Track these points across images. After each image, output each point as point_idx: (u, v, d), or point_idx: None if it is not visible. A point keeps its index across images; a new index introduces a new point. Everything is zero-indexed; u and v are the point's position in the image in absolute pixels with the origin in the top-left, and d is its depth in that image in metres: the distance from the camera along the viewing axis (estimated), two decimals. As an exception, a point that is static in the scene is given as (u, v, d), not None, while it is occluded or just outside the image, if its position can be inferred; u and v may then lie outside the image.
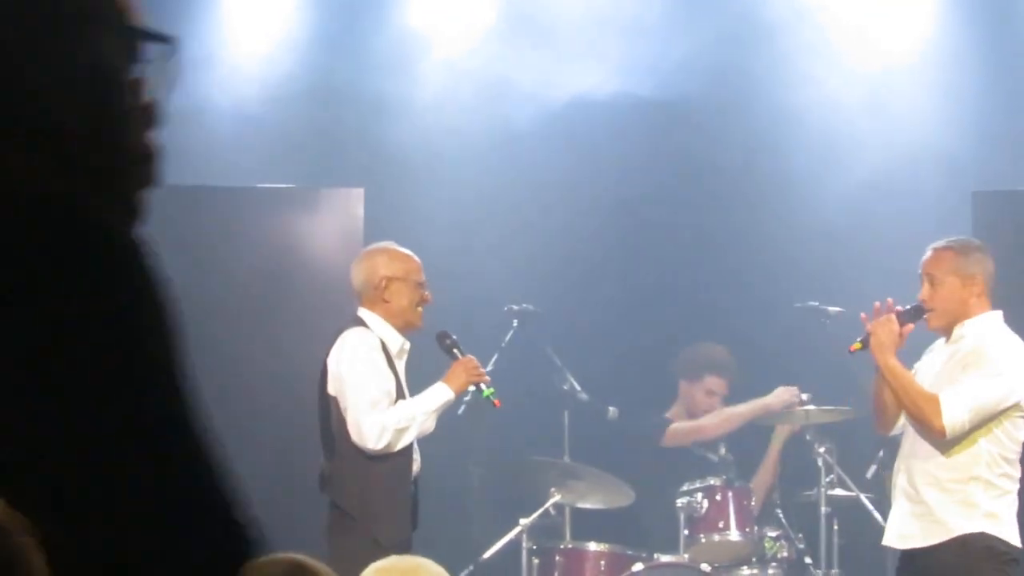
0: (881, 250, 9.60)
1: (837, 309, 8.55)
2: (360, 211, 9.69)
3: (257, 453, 9.16)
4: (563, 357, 8.91)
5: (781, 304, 8.97)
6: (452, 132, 9.92)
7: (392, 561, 4.02)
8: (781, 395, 8.78)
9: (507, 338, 8.83)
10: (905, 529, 7.06)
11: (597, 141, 9.81)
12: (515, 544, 8.22)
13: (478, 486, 9.08)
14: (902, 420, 7.12)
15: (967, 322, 6.95)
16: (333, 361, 7.20)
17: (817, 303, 8.58)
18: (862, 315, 7.26)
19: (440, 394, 7.32)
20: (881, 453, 8.25)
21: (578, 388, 8.76)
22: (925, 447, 6.95)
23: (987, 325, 6.96)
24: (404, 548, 6.84)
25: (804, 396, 8.57)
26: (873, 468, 8.38)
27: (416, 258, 7.45)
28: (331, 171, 9.97)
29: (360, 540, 6.94)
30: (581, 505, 8.67)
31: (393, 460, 7.13)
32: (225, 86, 9.80)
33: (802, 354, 9.11)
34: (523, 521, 8.19)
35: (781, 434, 9.06)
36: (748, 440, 9.24)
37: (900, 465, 7.14)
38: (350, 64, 9.90)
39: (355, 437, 7.03)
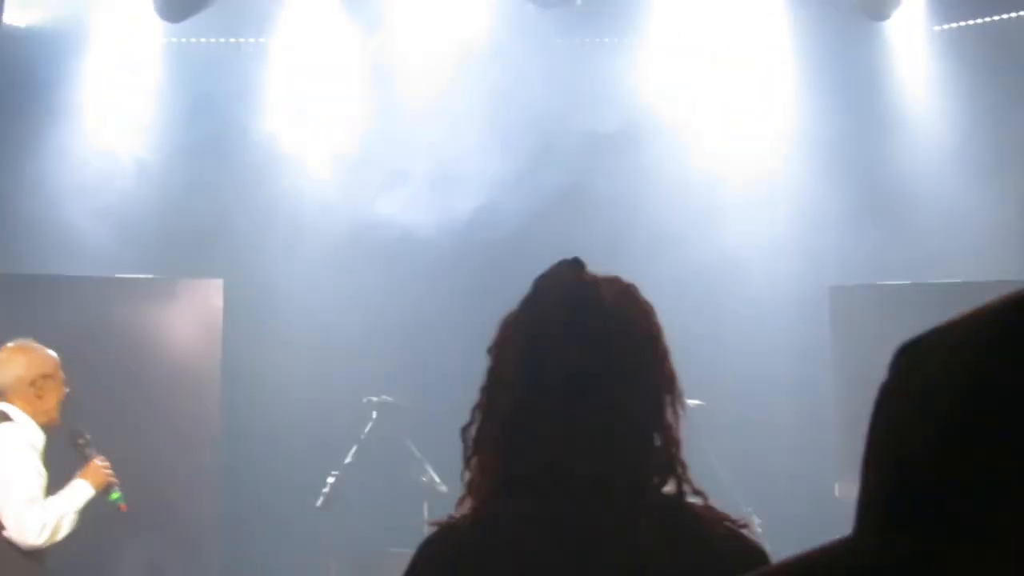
0: (739, 343, 9.70)
1: (696, 402, 8.59)
2: (219, 302, 9.62)
3: (121, 547, 9.04)
4: (422, 449, 8.87)
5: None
6: (312, 229, 9.93)
7: None
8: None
9: (366, 429, 8.79)
10: None
11: (460, 241, 9.82)
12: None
13: (336, 579, 9.01)
14: None
15: None
16: None
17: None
18: None
19: (82, 492, 7.08)
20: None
21: (437, 480, 8.72)
22: None
23: None
24: None
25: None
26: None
27: (56, 355, 7.28)
28: (190, 262, 9.89)
29: None
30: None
31: (31, 559, 6.86)
32: (81, 173, 9.72)
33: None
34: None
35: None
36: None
37: None
38: (211, 156, 9.87)
39: (14, 532, 6.75)
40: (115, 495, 7.22)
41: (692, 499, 2.60)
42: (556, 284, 2.62)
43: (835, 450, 9.22)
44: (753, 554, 2.53)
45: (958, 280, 9.43)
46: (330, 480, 8.35)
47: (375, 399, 8.91)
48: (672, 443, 2.60)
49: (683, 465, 2.58)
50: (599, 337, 2.54)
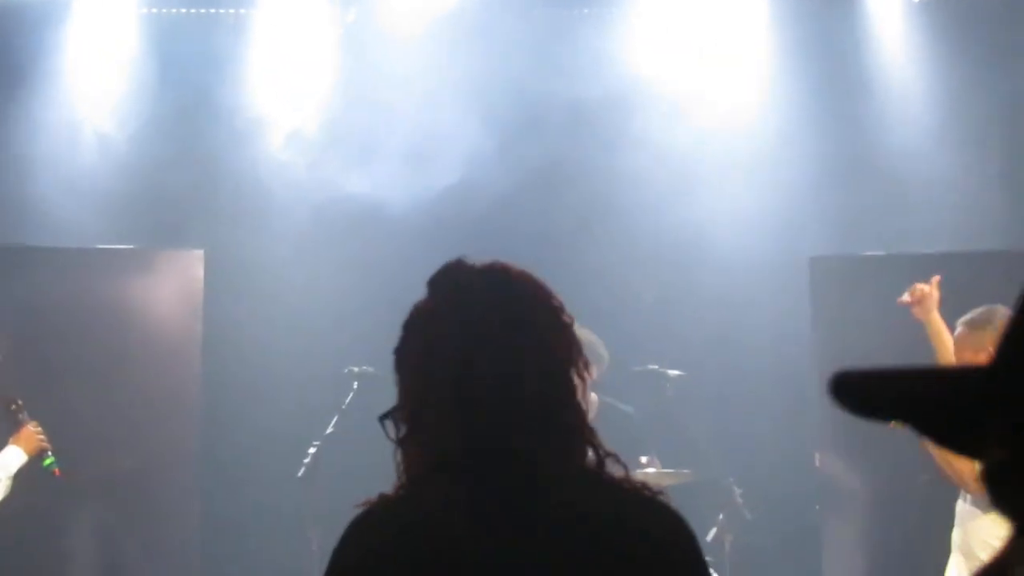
0: (719, 314, 9.71)
1: (676, 372, 8.60)
2: (200, 273, 9.60)
3: (99, 512, 9.05)
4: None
5: (620, 368, 8.99)
6: (295, 199, 9.90)
7: None
8: None
9: (347, 400, 8.78)
10: None
11: (439, 212, 9.81)
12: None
13: (316, 550, 9.01)
14: None
15: None
16: None
17: (656, 366, 8.61)
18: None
19: (15, 457, 7.14)
20: (721, 516, 8.31)
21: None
22: (981, 503, 6.83)
23: None
24: None
25: (644, 459, 8.56)
26: (713, 531, 8.38)
27: None
28: (171, 233, 9.86)
29: None
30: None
31: None
32: (61, 143, 9.69)
33: (642, 417, 9.16)
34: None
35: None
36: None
37: (958, 519, 7.09)
38: (189, 127, 9.84)
39: None
40: (48, 460, 7.26)
41: (607, 461, 2.68)
42: (457, 276, 2.78)
43: (816, 421, 9.24)
44: (671, 521, 2.68)
45: (938, 251, 9.45)
46: (311, 451, 8.35)
47: (356, 369, 8.90)
48: (582, 410, 2.70)
49: (591, 430, 2.68)
50: (508, 317, 2.69)
